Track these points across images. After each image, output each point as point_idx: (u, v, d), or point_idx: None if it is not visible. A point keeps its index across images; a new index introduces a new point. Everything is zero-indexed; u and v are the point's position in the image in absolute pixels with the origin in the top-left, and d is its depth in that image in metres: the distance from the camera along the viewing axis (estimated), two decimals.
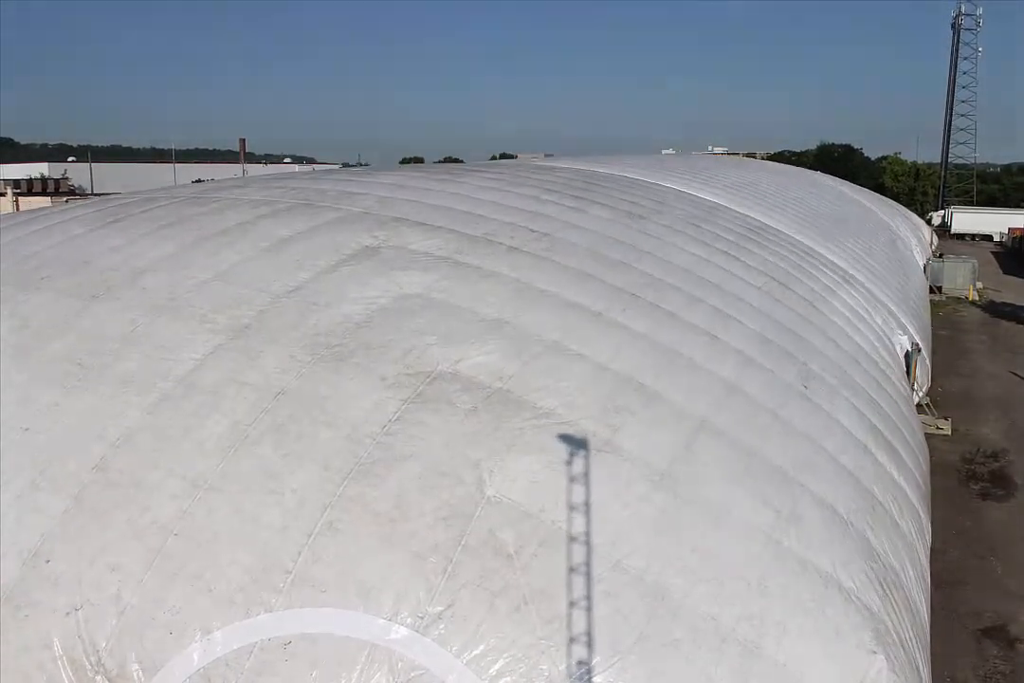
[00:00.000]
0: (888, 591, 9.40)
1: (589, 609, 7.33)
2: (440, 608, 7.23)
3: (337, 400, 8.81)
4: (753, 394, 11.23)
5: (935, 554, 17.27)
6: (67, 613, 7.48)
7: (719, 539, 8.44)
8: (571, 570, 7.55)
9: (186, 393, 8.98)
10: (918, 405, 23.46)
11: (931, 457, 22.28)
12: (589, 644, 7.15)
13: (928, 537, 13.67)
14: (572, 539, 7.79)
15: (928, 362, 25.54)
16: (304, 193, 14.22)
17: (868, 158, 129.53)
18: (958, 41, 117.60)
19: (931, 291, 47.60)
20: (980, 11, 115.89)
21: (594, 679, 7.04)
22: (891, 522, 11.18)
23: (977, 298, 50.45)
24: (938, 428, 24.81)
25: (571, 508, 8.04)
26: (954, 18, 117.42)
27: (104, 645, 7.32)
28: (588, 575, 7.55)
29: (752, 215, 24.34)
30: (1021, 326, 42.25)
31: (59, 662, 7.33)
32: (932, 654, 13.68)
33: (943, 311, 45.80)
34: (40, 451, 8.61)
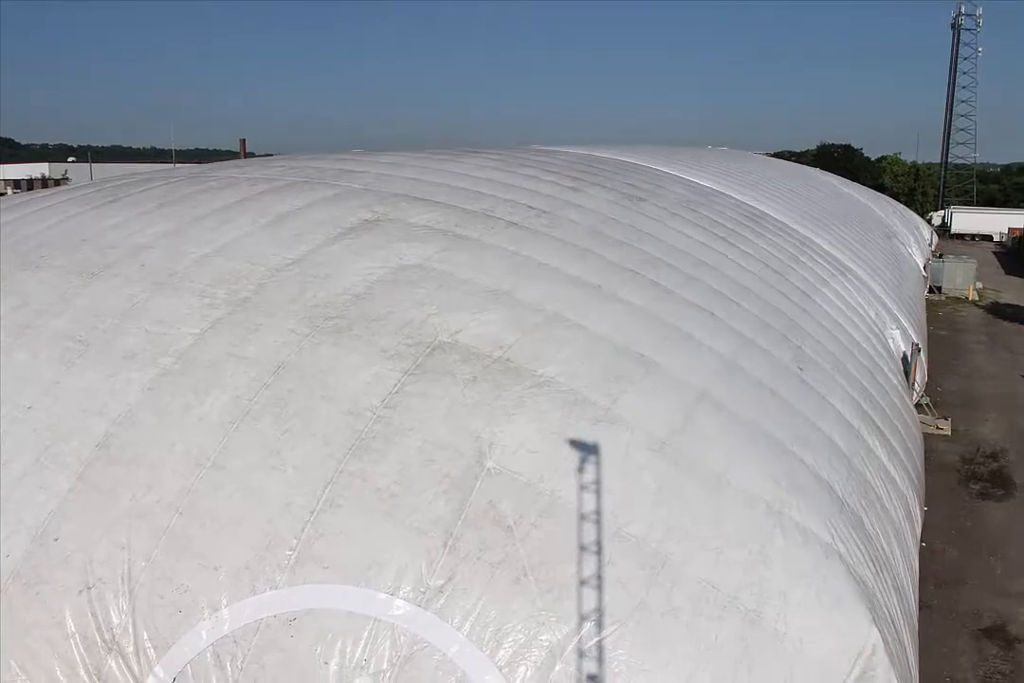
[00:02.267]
0: (879, 571, 9.49)
1: (589, 578, 7.38)
2: (441, 582, 7.30)
3: (337, 373, 8.81)
4: (750, 371, 11.27)
5: (935, 554, 17.31)
6: (79, 591, 7.60)
7: (720, 507, 8.46)
8: (570, 540, 7.60)
9: (186, 368, 9.00)
10: (917, 405, 23.44)
11: (931, 457, 22.36)
12: (589, 613, 7.21)
13: (918, 528, 13.74)
14: (571, 509, 7.82)
15: (924, 361, 25.44)
16: (303, 172, 14.21)
17: (868, 158, 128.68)
18: (958, 41, 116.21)
19: (931, 291, 47.46)
20: (980, 11, 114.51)
21: (594, 647, 7.09)
22: (881, 507, 11.27)
23: (977, 298, 50.34)
24: (938, 428, 24.68)
25: (570, 477, 8.06)
26: (954, 18, 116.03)
27: (117, 623, 7.45)
28: (587, 544, 7.59)
29: (750, 203, 24.23)
30: (1021, 326, 42.10)
31: (71, 640, 7.45)
32: (931, 654, 13.77)
33: (943, 311, 45.65)
34: (43, 429, 8.67)
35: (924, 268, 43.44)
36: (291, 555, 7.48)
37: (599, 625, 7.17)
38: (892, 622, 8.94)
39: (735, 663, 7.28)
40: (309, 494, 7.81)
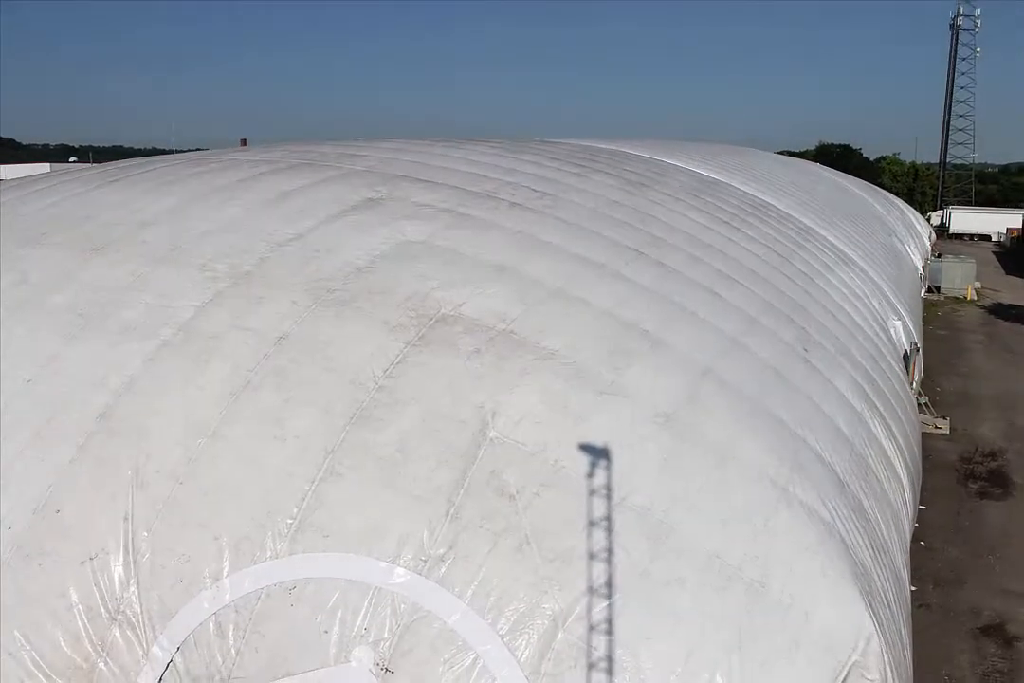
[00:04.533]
0: (877, 554, 9.48)
1: (592, 548, 7.31)
2: (442, 550, 7.24)
3: (339, 344, 8.74)
4: (755, 350, 11.21)
5: (933, 553, 17.37)
6: (81, 562, 7.57)
7: (725, 480, 8.40)
8: (573, 509, 7.54)
9: (187, 339, 8.94)
10: (917, 404, 23.36)
11: (930, 456, 22.50)
12: (592, 582, 7.14)
13: (913, 514, 13.79)
14: (575, 478, 7.76)
15: (921, 360, 25.48)
16: (306, 155, 14.19)
17: (867, 158, 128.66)
18: (956, 42, 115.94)
19: (930, 291, 47.42)
20: (978, 12, 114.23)
21: (597, 616, 7.02)
22: (881, 491, 11.25)
23: (976, 298, 50.35)
24: (937, 427, 24.69)
25: (574, 448, 8.00)
26: (952, 18, 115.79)
27: (120, 593, 7.44)
28: (591, 514, 7.53)
29: (753, 193, 24.19)
30: (1020, 326, 42.10)
31: (75, 610, 7.43)
32: (930, 652, 13.84)
33: (942, 311, 45.66)
34: (43, 402, 8.61)
35: (923, 268, 43.34)
36: (292, 524, 7.44)
37: (603, 594, 7.11)
38: (888, 605, 8.96)
39: (740, 632, 7.21)
40: (310, 463, 7.75)
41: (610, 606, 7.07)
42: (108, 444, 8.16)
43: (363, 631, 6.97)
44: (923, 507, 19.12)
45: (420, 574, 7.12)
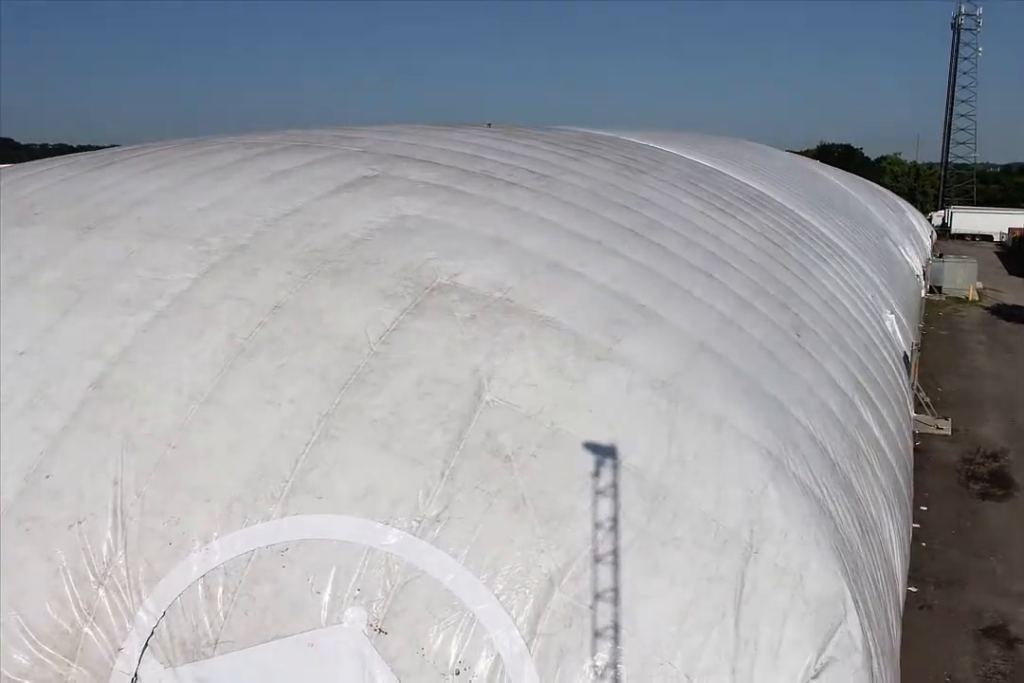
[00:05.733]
0: (866, 533, 9.48)
1: (589, 508, 7.23)
2: (437, 511, 7.16)
3: (334, 312, 8.67)
4: (749, 331, 11.23)
5: (935, 554, 17.34)
6: (69, 526, 7.49)
7: (721, 446, 8.36)
8: (569, 470, 7.44)
9: (182, 309, 8.90)
10: (917, 404, 23.33)
11: (931, 457, 22.55)
12: (588, 541, 7.05)
13: (909, 500, 13.79)
14: (571, 440, 7.67)
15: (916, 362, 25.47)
16: (300, 138, 14.19)
17: (868, 158, 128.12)
18: (958, 41, 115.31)
19: (931, 291, 47.23)
20: (980, 11, 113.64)
21: (594, 575, 6.94)
22: (872, 474, 11.25)
23: (977, 298, 50.23)
24: (938, 428, 24.56)
25: (570, 410, 7.90)
26: (954, 18, 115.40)
27: (107, 557, 7.33)
28: (587, 474, 7.43)
29: (750, 184, 24.18)
30: (1021, 326, 41.96)
31: (62, 575, 7.33)
32: (932, 653, 13.80)
33: (943, 311, 45.54)
34: (36, 373, 8.57)
35: (924, 269, 43.21)
36: (284, 486, 7.35)
37: (599, 554, 7.03)
38: (875, 584, 9.00)
39: (735, 593, 7.17)
40: (304, 426, 7.66)
41: (607, 566, 6.99)
42: (100, 411, 8.09)
43: (356, 592, 6.87)
44: (924, 508, 19.09)
45: (415, 535, 7.02)
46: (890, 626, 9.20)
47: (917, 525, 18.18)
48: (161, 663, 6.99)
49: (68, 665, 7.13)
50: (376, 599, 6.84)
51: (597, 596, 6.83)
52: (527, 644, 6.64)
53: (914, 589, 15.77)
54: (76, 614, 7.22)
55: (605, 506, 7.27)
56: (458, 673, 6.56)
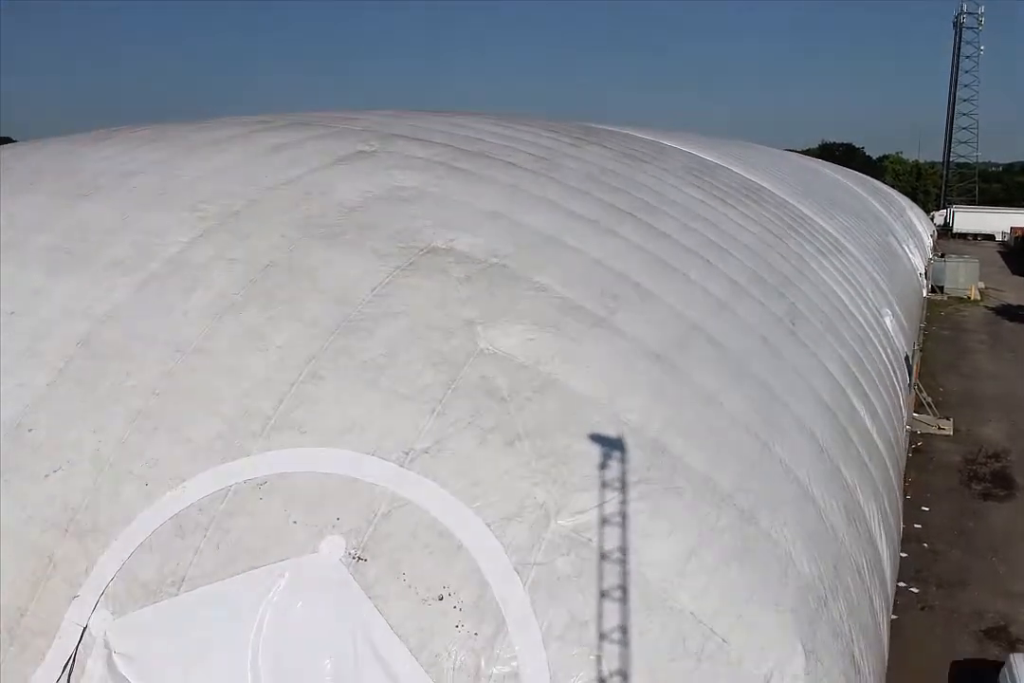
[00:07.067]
0: (852, 521, 9.43)
1: (586, 450, 7.03)
2: (427, 444, 6.93)
3: (327, 270, 8.56)
4: (743, 317, 11.15)
5: (937, 555, 17.28)
6: (45, 476, 7.38)
7: (714, 418, 8.31)
8: (566, 416, 7.26)
9: (174, 270, 8.80)
10: (919, 404, 23.26)
11: (932, 457, 22.48)
12: (587, 478, 6.84)
13: (900, 490, 13.75)
14: (567, 389, 7.50)
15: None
16: (299, 117, 14.20)
17: (870, 157, 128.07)
18: (960, 40, 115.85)
19: (933, 291, 47.14)
20: (982, 10, 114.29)
21: (592, 512, 6.74)
22: (861, 463, 11.17)
23: (979, 298, 50.10)
24: (940, 428, 24.52)
25: (567, 364, 7.73)
26: (956, 17, 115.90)
27: (80, 502, 7.17)
28: (583, 421, 7.27)
29: (751, 178, 24.14)
30: (1023, 326, 41.89)
31: (30, 523, 7.18)
32: (933, 654, 13.57)
33: (945, 311, 45.52)
34: (25, 332, 8.50)
35: (925, 269, 43.08)
36: (267, 423, 7.16)
37: (599, 490, 6.83)
38: (858, 571, 8.95)
39: (734, 551, 7.09)
40: (291, 369, 7.50)
41: (608, 502, 6.80)
42: (87, 367, 8.00)
43: (335, 520, 6.62)
44: (926, 508, 19.02)
45: (403, 466, 6.79)
46: (875, 612, 9.13)
47: (919, 526, 18.12)
48: (112, 612, 6.68)
49: (21, 615, 6.89)
50: (357, 527, 6.59)
51: (599, 530, 6.63)
52: (518, 573, 6.38)
53: (915, 590, 15.75)
54: (44, 560, 7.02)
55: (602, 451, 7.09)
56: (441, 599, 6.29)
